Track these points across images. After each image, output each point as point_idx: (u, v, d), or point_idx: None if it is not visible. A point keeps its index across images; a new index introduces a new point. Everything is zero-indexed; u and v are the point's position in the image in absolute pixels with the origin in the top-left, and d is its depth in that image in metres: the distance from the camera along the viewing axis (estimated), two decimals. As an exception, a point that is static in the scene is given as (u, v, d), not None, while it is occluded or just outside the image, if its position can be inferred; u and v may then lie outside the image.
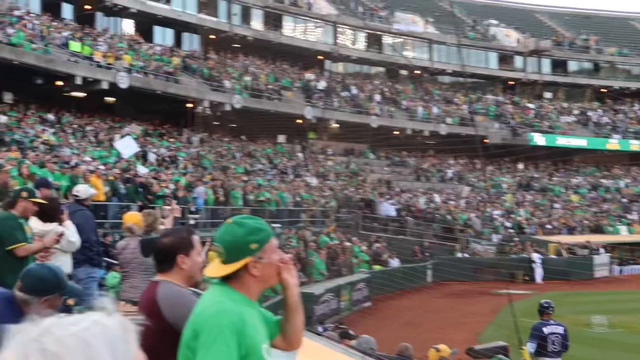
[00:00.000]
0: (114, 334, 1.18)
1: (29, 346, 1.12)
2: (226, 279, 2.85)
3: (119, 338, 1.18)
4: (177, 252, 3.72)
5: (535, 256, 33.51)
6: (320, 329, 16.61)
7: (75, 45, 34.84)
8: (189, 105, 39.41)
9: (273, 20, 50.27)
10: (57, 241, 7.06)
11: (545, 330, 11.45)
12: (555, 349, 11.34)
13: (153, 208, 22.39)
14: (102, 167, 23.62)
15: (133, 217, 8.69)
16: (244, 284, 2.83)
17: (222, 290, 2.83)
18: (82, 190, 9.53)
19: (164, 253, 3.78)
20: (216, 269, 2.84)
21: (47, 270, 4.05)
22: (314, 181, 37.98)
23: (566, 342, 11.52)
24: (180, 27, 45.35)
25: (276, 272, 2.89)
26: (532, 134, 53.34)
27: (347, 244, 28.87)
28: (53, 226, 7.51)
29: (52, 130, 29.67)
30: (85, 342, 1.13)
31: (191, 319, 2.78)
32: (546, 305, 11.87)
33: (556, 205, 46.82)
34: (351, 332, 11.89)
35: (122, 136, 29.07)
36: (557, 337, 11.41)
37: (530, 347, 11.20)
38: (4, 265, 6.16)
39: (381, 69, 57.72)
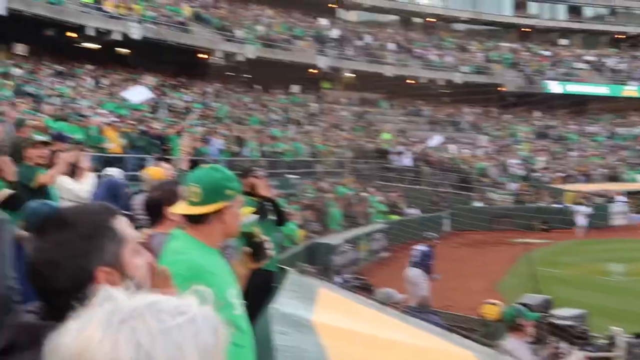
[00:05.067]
0: (206, 341, 1.05)
1: (120, 328, 1.00)
2: (189, 224, 2.92)
3: (210, 345, 1.05)
4: (166, 204, 3.75)
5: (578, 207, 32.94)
6: (338, 279, 16.61)
7: (86, -4, 34.50)
8: (202, 56, 39.10)
9: (284, -33, 49.55)
10: None
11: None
12: (416, 259, 15.15)
13: (169, 160, 22.42)
14: (116, 119, 23.50)
15: (155, 173, 8.49)
16: (206, 231, 2.87)
17: (181, 240, 2.89)
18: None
19: (153, 206, 3.92)
20: (189, 208, 2.89)
21: (49, 208, 4.01)
22: (329, 132, 37.81)
23: (427, 262, 15.07)
24: (191, -25, 44.73)
25: (239, 227, 2.97)
26: (548, 81, 52.74)
27: (364, 194, 28.80)
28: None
29: (67, 82, 29.52)
30: (177, 345, 1.01)
31: None
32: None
33: (572, 154, 46.51)
34: (365, 281, 11.83)
35: (134, 86, 28.98)
36: (417, 252, 15.30)
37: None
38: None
39: (394, 17, 56.96)
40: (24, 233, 3.91)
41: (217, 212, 2.85)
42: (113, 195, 8.58)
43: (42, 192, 6.45)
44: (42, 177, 6.45)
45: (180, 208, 2.95)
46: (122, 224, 1.78)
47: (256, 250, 3.13)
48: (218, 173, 2.92)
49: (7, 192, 5.47)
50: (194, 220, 2.88)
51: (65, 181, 7.42)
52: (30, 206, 4.07)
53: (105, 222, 1.74)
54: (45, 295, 1.67)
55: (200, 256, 2.80)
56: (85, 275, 1.65)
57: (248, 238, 3.12)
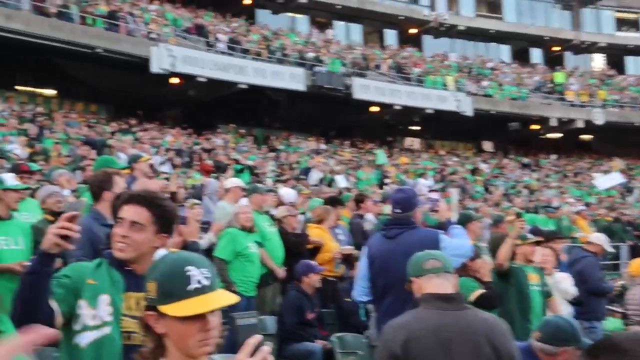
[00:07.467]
0: None
1: None
2: None
3: None
4: None
5: None
6: None
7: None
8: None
9: None
10: None
11: None
12: None
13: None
14: (583, 207, 23.15)
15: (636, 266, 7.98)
16: None
17: None
18: (595, 237, 9.13)
19: None
20: None
21: (564, 321, 4.01)
22: None
23: None
24: (654, 52, 43.06)
25: None
26: None
27: None
28: None
29: (532, 173, 30.21)
30: None
31: None
32: None
33: None
34: None
35: (606, 172, 28.55)
36: None
37: None
38: None
39: None
40: (539, 344, 3.93)
41: None
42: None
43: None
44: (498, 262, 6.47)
45: None
46: None
47: None
48: None
49: (480, 292, 5.73)
50: None
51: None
52: (547, 319, 4.21)
53: None
54: None
55: None
56: None
57: None
